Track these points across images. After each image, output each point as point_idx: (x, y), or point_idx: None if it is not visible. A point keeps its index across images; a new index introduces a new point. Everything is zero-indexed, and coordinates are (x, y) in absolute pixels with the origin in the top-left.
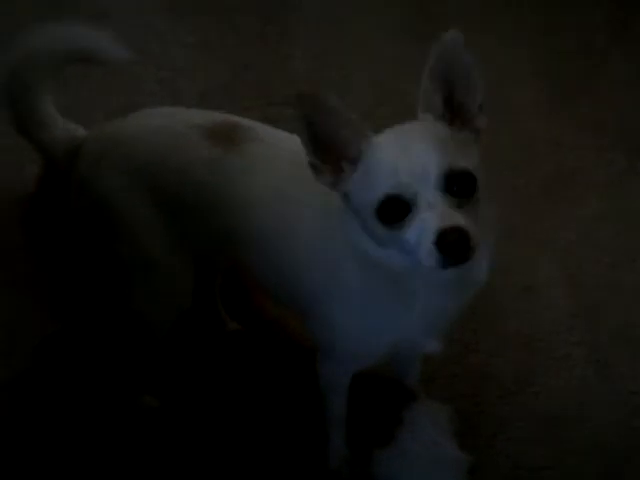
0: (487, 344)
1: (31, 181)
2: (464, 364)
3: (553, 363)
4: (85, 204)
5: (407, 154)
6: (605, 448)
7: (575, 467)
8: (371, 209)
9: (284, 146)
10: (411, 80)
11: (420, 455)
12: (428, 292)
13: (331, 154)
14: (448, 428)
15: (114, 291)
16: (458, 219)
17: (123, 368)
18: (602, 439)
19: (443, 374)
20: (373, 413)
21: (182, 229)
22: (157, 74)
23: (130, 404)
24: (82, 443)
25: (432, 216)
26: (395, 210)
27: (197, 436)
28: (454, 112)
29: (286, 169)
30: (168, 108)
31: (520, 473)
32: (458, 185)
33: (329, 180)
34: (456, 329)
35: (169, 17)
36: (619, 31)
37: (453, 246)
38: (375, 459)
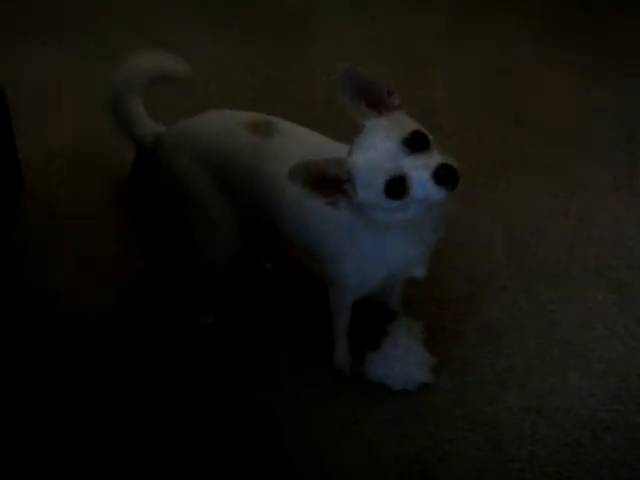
0: (445, 279)
1: (129, 163)
2: (431, 293)
3: (493, 292)
4: (165, 180)
5: (376, 150)
6: (529, 349)
7: (505, 366)
8: (381, 197)
9: (305, 138)
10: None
11: (398, 357)
12: (414, 237)
13: (334, 189)
14: (419, 337)
15: (186, 240)
16: (434, 160)
17: (188, 295)
18: (526, 343)
19: (415, 300)
20: (365, 327)
21: (232, 198)
22: (215, 87)
23: (191, 321)
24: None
25: (421, 169)
26: (396, 186)
27: (241, 345)
28: (377, 106)
29: (303, 157)
30: (221, 110)
31: (468, 369)
32: (417, 143)
33: (345, 204)
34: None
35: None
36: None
37: (447, 175)
38: (366, 360)
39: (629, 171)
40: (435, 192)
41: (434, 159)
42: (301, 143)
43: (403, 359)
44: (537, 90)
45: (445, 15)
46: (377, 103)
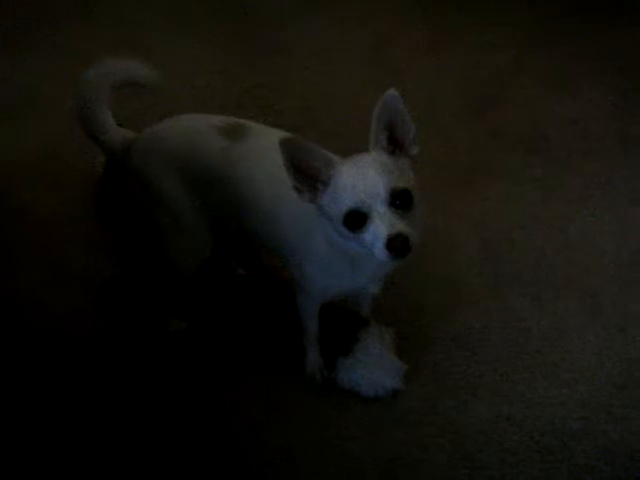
0: (418, 286)
1: (100, 166)
2: (403, 300)
3: (465, 300)
4: (135, 184)
5: (363, 179)
6: (499, 358)
7: (476, 374)
8: (339, 218)
9: (275, 140)
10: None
11: (369, 363)
12: (371, 264)
13: (308, 179)
14: (390, 344)
15: (157, 244)
16: (401, 227)
17: (160, 300)
18: (497, 352)
19: (389, 307)
20: (338, 334)
21: (202, 200)
22: (188, 92)
23: (164, 326)
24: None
25: (382, 225)
26: (356, 219)
27: (214, 350)
28: (395, 145)
29: (276, 158)
30: (192, 114)
31: (440, 376)
32: (400, 200)
33: (307, 197)
34: (397, 277)
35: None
36: (518, 66)
37: (398, 248)
38: (338, 366)
39: (600, 181)
40: (380, 252)
41: (401, 225)
42: (273, 145)
43: (374, 366)
44: (514, 101)
45: (426, 25)
46: (397, 142)
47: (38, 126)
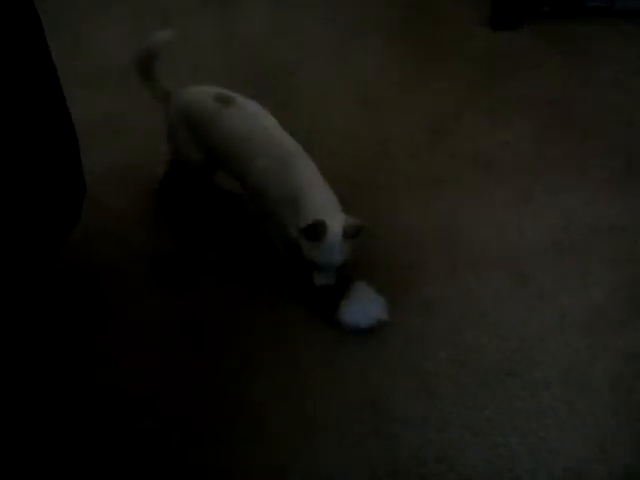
0: (395, 265)
1: (161, 172)
2: (376, 264)
3: (427, 276)
4: (172, 120)
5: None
6: (452, 317)
7: (433, 325)
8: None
9: (253, 109)
10: None
11: (362, 297)
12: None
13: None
14: (374, 291)
15: (179, 162)
16: (329, 280)
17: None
18: (451, 313)
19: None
20: (335, 290)
21: (201, 143)
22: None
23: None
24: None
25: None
26: (312, 230)
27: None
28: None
29: (251, 121)
30: (198, 86)
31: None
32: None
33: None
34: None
35: None
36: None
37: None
38: (340, 306)
39: (528, 192)
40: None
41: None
42: (251, 113)
43: (364, 299)
44: (463, 131)
45: (399, 75)
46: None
47: (115, 145)
